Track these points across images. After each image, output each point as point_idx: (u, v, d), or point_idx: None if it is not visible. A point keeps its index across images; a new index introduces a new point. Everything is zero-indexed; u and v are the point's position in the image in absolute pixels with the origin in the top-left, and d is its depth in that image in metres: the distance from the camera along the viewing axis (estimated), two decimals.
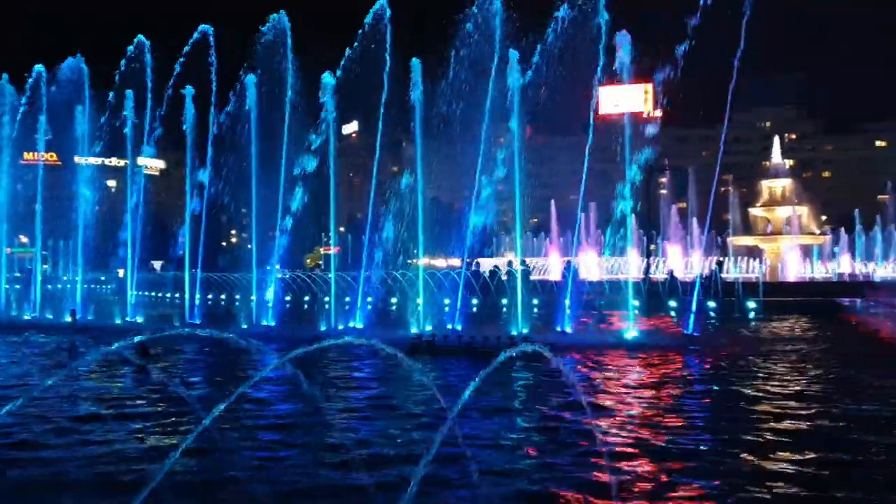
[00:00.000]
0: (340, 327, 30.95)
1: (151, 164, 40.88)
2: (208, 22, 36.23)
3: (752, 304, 39.80)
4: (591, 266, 62.15)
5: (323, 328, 30.87)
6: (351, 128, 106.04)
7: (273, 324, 32.68)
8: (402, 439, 11.95)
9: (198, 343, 25.71)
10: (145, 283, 42.97)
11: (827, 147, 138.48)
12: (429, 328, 28.57)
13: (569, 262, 34.75)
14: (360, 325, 31.04)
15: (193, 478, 9.40)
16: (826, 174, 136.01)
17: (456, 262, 40.03)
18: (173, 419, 13.39)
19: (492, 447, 11.22)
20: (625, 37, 28.53)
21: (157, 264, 59.84)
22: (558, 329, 28.49)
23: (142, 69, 37.49)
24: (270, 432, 12.34)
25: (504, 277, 40.52)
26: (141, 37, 37.70)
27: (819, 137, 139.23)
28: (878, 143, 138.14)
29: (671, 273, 48.23)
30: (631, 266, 45.65)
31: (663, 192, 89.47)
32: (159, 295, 47.49)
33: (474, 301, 36.86)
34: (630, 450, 11.19)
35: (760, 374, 18.74)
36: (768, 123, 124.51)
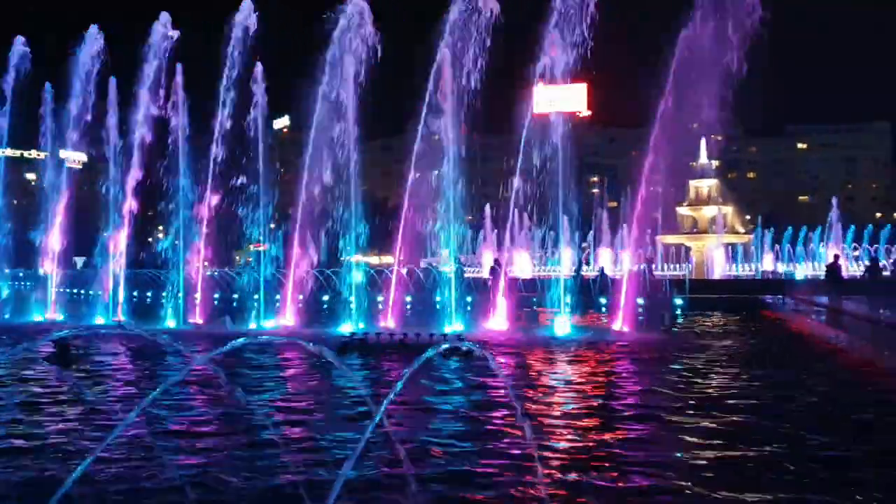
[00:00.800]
0: (271, 325, 30.48)
1: (73, 156, 39.49)
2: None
3: (678, 301, 40.66)
4: (524, 264, 62.73)
5: (252, 326, 30.34)
6: (282, 122, 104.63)
7: (201, 321, 31.98)
8: (329, 438, 11.75)
9: (120, 342, 24.96)
10: (67, 280, 41.54)
11: (751, 149, 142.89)
12: (361, 326, 28.39)
13: (496, 260, 34.99)
14: (290, 323, 30.62)
15: (107, 487, 8.98)
16: (751, 175, 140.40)
17: (389, 259, 39.87)
18: (91, 422, 12.88)
19: (418, 446, 11.10)
20: (557, 36, 28.88)
21: (80, 261, 58.00)
22: (491, 326, 28.66)
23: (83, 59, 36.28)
24: (189, 437, 11.87)
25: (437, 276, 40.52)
26: (94, 28, 36.44)
27: (744, 139, 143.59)
28: (799, 145, 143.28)
29: (602, 271, 48.97)
30: (563, 264, 46.16)
31: (595, 191, 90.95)
32: (82, 292, 45.97)
33: (408, 298, 36.74)
34: (561, 446, 11.22)
35: (685, 367, 19.12)
36: (695, 124, 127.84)
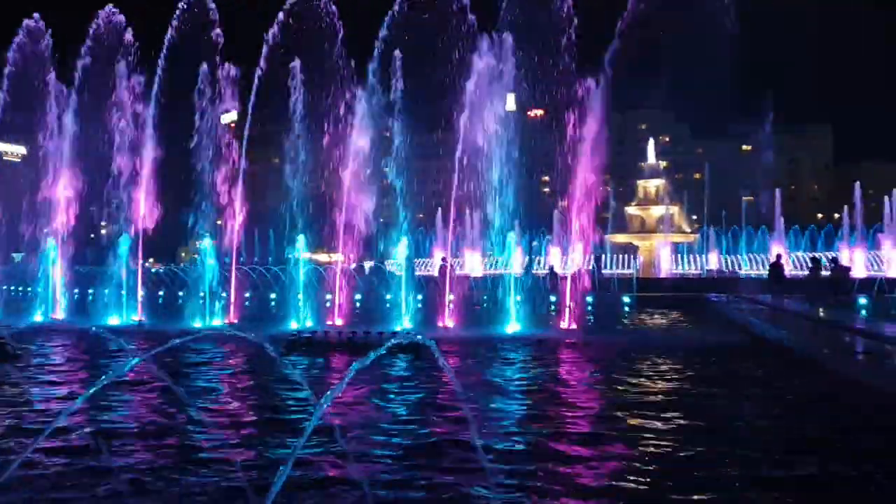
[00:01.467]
0: (216, 323, 29.95)
1: (12, 149, 38.36)
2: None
3: (626, 299, 41.13)
4: (475, 263, 62.80)
5: (196, 324, 29.73)
6: (230, 117, 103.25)
7: (144, 318, 31.28)
8: (272, 438, 11.53)
9: (62, 339, 24.29)
10: (4, 277, 40.31)
11: (698, 150, 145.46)
12: (309, 324, 28.06)
13: (444, 259, 34.98)
14: (235, 321, 30.15)
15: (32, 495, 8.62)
16: (697, 175, 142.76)
17: (339, 256, 39.66)
18: (28, 426, 12.42)
19: (363, 443, 10.96)
20: (506, 37, 29.03)
21: (18, 256, 56.36)
22: (440, 324, 28.59)
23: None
24: (130, 440, 11.49)
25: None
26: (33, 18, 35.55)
27: (690, 140, 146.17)
28: (743, 146, 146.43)
29: (552, 269, 49.22)
30: (514, 263, 46.27)
31: (546, 190, 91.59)
32: (20, 289, 44.63)
33: (357, 296, 36.46)
34: (508, 442, 11.18)
35: (632, 363, 19.29)
36: (644, 126, 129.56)
